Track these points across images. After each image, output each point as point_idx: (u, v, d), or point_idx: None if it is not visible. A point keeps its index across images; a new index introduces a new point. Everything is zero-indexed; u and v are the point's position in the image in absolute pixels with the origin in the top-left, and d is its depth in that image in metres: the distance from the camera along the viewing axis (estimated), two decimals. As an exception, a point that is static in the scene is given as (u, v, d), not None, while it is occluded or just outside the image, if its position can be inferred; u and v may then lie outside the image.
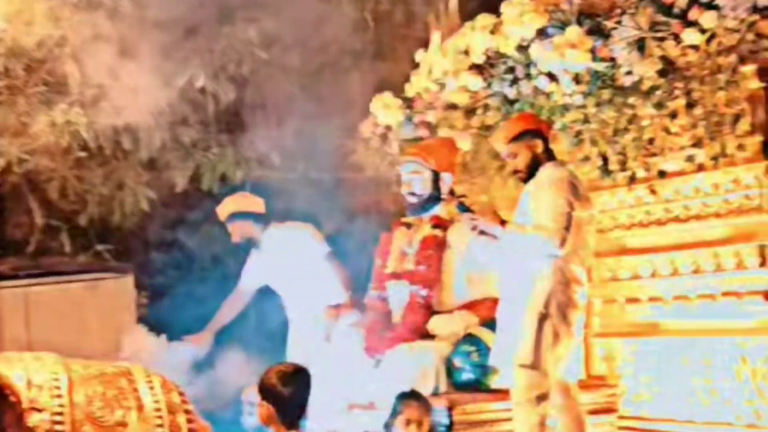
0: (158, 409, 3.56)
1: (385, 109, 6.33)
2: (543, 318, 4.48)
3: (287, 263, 6.06)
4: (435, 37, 6.09)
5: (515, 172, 4.74)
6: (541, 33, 5.17)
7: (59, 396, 3.37)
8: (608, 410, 5.21)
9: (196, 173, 7.57)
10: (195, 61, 7.17)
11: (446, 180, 5.45)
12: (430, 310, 5.26)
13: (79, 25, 6.42)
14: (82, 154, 7.06)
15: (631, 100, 4.93)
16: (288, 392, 3.58)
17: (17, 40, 6.17)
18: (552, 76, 5.14)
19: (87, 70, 6.64)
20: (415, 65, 6.23)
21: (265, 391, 3.59)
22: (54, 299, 7.12)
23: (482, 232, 4.72)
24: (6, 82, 6.45)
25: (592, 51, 4.95)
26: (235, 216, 6.19)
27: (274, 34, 7.34)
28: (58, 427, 3.32)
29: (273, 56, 7.36)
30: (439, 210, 5.45)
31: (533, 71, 5.24)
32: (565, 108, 5.17)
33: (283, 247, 6.10)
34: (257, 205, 6.25)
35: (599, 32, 4.97)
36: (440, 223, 5.39)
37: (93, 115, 6.64)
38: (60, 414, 3.34)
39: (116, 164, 7.50)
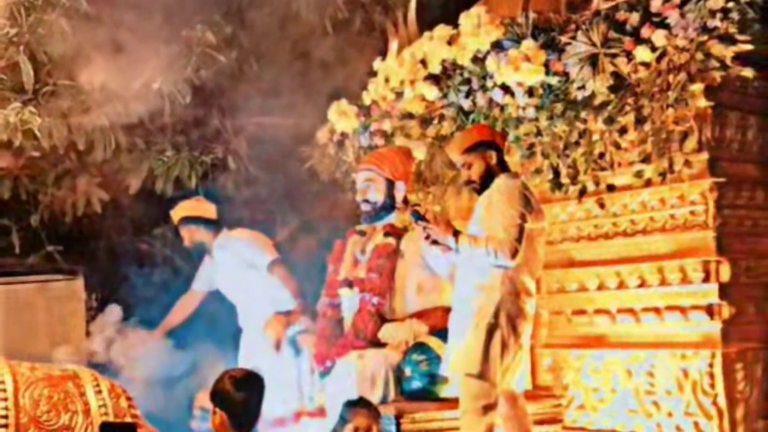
0: (105, 414, 3.55)
1: (342, 117, 6.36)
2: (492, 328, 4.53)
3: (236, 271, 6.06)
4: (393, 46, 6.14)
5: (469, 182, 4.80)
6: (497, 46, 5.25)
7: (4, 399, 3.35)
8: (554, 420, 5.28)
9: (150, 176, 7.52)
10: (152, 63, 7.12)
11: (400, 189, 5.49)
12: (381, 318, 5.28)
13: (35, 23, 6.35)
14: (35, 153, 6.97)
15: (582, 114, 5.02)
16: (241, 397, 3.56)
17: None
18: (506, 89, 5.21)
19: (41, 69, 6.58)
20: (373, 73, 6.27)
21: (219, 397, 3.56)
22: (3, 300, 7.01)
23: (435, 242, 4.76)
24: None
25: (546, 65, 5.03)
26: (187, 220, 6.22)
27: (233, 38, 7.32)
28: (2, 430, 3.30)
29: (231, 60, 7.34)
30: (392, 218, 5.49)
31: (488, 83, 5.31)
32: (519, 120, 5.24)
33: (231, 254, 6.11)
34: (209, 211, 6.28)
35: (553, 47, 5.05)
36: (393, 232, 5.43)
37: (46, 115, 6.56)
38: (5, 417, 3.32)
39: (69, 165, 7.41)
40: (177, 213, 6.31)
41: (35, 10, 6.35)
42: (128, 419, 3.65)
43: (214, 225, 6.25)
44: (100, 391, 3.72)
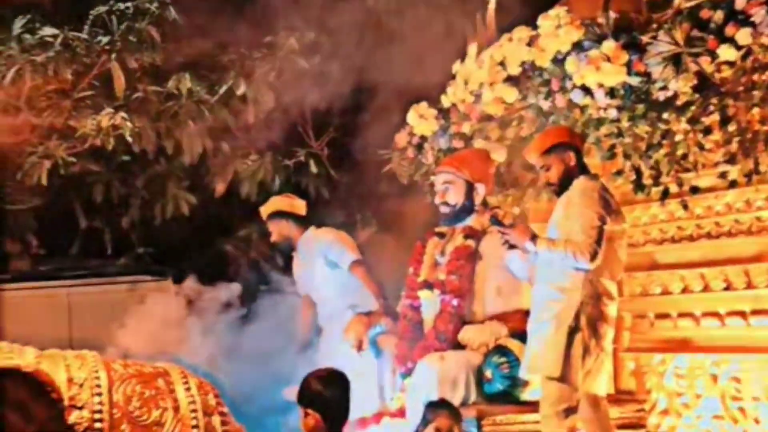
0: (194, 410, 3.65)
1: (421, 120, 6.40)
2: (573, 331, 4.51)
3: (319, 269, 6.13)
4: (472, 48, 6.16)
5: (548, 184, 4.79)
6: (577, 46, 5.21)
7: (99, 394, 3.47)
8: (636, 425, 5.23)
9: (235, 179, 7.70)
10: (236, 68, 7.30)
11: (479, 191, 5.51)
12: (461, 320, 5.31)
13: (126, 31, 6.58)
14: (126, 158, 7.22)
15: (665, 115, 4.95)
16: (333, 395, 3.59)
17: (68, 44, 6.35)
18: (587, 90, 5.17)
19: (132, 75, 6.81)
20: (452, 76, 6.30)
21: (309, 398, 3.59)
22: (95, 300, 7.28)
23: (513, 246, 4.77)
24: (55, 85, 6.63)
25: (628, 65, 4.98)
26: (276, 215, 6.26)
27: (315, 43, 7.45)
28: (97, 424, 3.42)
29: (313, 65, 7.47)
30: (471, 220, 5.51)
31: (568, 84, 5.28)
32: (599, 122, 5.20)
33: (316, 251, 6.17)
34: (299, 207, 6.31)
35: (635, 47, 5.00)
36: (472, 234, 5.45)
37: (137, 120, 6.80)
38: (99, 412, 3.43)
39: (158, 169, 7.65)
40: (268, 207, 6.34)
41: (126, 19, 6.58)
42: (216, 416, 3.73)
43: (303, 221, 6.29)
44: (189, 388, 3.82)
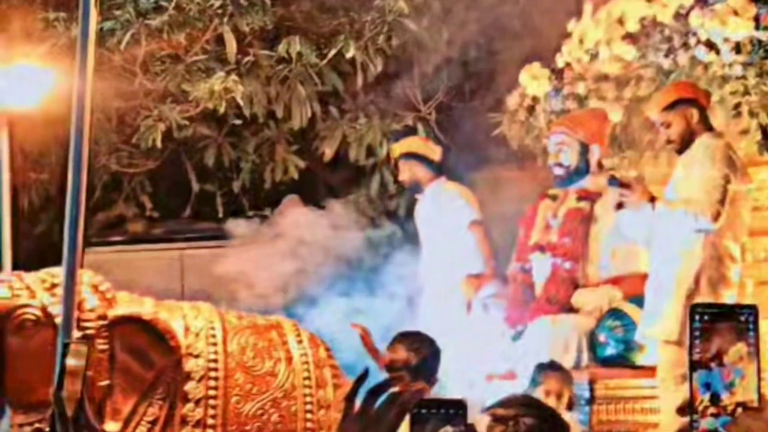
0: (306, 362, 3.68)
1: (534, 80, 6.25)
2: (692, 294, 4.36)
3: (437, 220, 6.03)
4: (588, 6, 5.97)
5: (668, 142, 4.62)
6: (702, 0, 4.99)
7: (214, 344, 3.53)
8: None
9: (343, 144, 7.71)
10: (345, 32, 7.29)
11: (595, 152, 5.36)
12: (573, 283, 5.19)
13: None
14: (237, 121, 7.31)
15: (796, 70, 4.70)
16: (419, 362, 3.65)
17: (181, 8, 6.45)
18: (711, 46, 4.95)
19: (243, 40, 6.88)
20: (567, 35, 6.12)
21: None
22: (207, 261, 7.42)
23: (629, 207, 4.62)
24: (169, 50, 6.75)
25: (756, 19, 4.75)
26: (410, 156, 6.17)
27: (424, 6, 7.36)
28: (212, 373, 3.48)
29: (422, 28, 7.38)
30: (586, 182, 5.36)
31: (691, 40, 5.06)
32: (724, 79, 4.97)
33: (441, 202, 6.04)
34: (434, 152, 6.21)
35: (764, -1, 4.76)
36: (586, 196, 5.31)
37: (248, 84, 6.86)
38: (215, 361, 3.49)
39: (268, 133, 7.72)
40: (402, 146, 6.26)
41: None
42: (327, 369, 3.75)
43: (436, 168, 6.19)
44: (301, 341, 3.85)
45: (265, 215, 7.52)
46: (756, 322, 1.30)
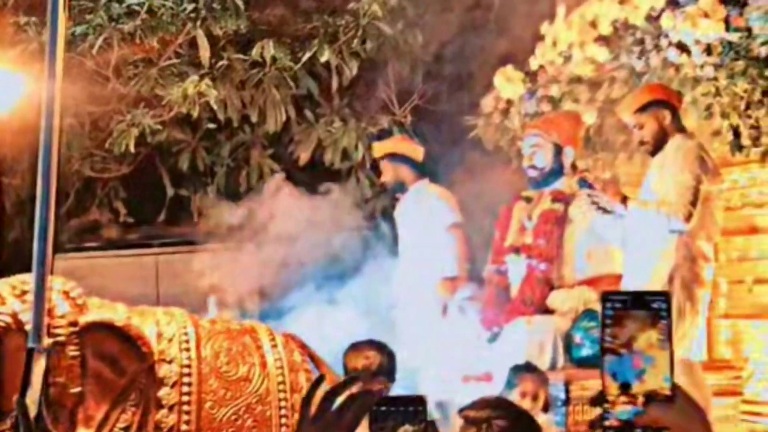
0: (280, 367, 3.66)
1: (508, 83, 6.27)
2: (666, 294, 4.37)
3: (416, 223, 6.00)
4: (561, 8, 5.99)
5: (641, 143, 4.64)
6: (673, 2, 5.02)
7: (187, 349, 3.50)
8: (733, 393, 5.05)
9: (318, 147, 7.70)
10: (320, 35, 7.28)
11: (568, 154, 5.38)
12: (549, 285, 5.21)
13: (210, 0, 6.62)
14: (211, 126, 7.27)
15: (766, 72, 4.73)
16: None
17: (153, 12, 6.41)
18: (683, 48, 4.98)
19: (217, 44, 6.84)
20: (540, 38, 6.15)
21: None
22: (182, 267, 7.38)
23: (603, 209, 4.63)
24: (141, 54, 6.70)
25: (726, 20, 4.77)
26: (393, 157, 6.14)
27: (398, 8, 7.36)
28: (186, 378, 3.45)
29: (396, 31, 7.39)
30: (560, 184, 5.38)
31: (663, 42, 5.09)
32: (696, 80, 5.00)
33: (422, 204, 6.02)
34: (417, 152, 6.18)
35: (734, 1, 4.79)
36: (561, 198, 5.32)
37: (222, 88, 6.83)
38: (188, 366, 3.46)
39: (243, 137, 7.69)
40: (384, 147, 6.22)
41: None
42: (302, 373, 3.74)
43: (419, 169, 6.15)
44: (275, 345, 3.82)
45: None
46: (669, 310, 1.27)
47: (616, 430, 1.29)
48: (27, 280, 3.29)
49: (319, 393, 1.44)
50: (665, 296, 1.28)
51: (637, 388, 1.28)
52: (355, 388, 1.36)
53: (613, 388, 1.29)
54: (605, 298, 1.31)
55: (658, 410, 1.27)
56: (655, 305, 1.30)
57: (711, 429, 1.32)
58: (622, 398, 1.28)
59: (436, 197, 6.04)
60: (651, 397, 1.28)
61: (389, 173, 6.16)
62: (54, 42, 2.82)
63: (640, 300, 1.30)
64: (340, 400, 1.35)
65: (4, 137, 6.56)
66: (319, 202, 6.33)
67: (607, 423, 1.30)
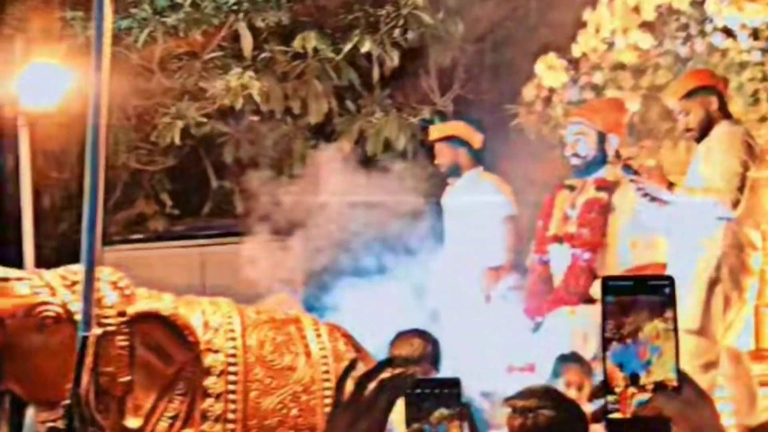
0: (325, 356, 3.69)
1: (550, 71, 6.23)
2: (713, 283, 4.33)
3: (470, 211, 5.96)
4: (603, -5, 5.94)
5: (687, 130, 4.58)
6: (718, -14, 4.96)
7: (233, 339, 3.55)
8: (782, 383, 4.98)
9: (360, 138, 7.71)
10: (361, 26, 7.29)
11: (612, 142, 5.33)
12: (592, 274, 5.17)
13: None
14: (254, 118, 7.32)
15: (815, 56, 4.65)
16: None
17: (197, 5, 6.47)
18: (728, 32, 4.92)
19: (260, 36, 6.89)
20: (582, 24, 6.09)
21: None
22: (227, 258, 7.45)
23: (648, 196, 4.59)
24: (185, 47, 6.78)
25: (773, 4, 4.70)
26: (449, 139, 6.09)
27: (439, -1, 7.35)
28: (231, 368, 3.49)
29: (437, 21, 7.37)
30: (604, 172, 5.34)
31: (708, 27, 5.02)
32: (742, 65, 4.94)
33: (477, 190, 5.95)
34: (476, 138, 6.12)
35: (781, -16, 4.71)
36: (605, 186, 5.28)
37: (264, 80, 6.87)
38: (234, 356, 3.51)
39: (285, 128, 7.73)
40: (443, 129, 6.16)
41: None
42: (345, 363, 3.75)
43: (476, 155, 6.08)
44: (319, 335, 3.86)
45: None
46: (673, 296, 1.20)
47: (621, 422, 1.24)
48: (76, 270, 3.35)
49: (353, 377, 1.45)
50: (670, 281, 1.21)
51: (644, 378, 1.23)
52: (387, 372, 1.37)
53: (619, 379, 1.23)
54: (606, 284, 1.24)
55: (661, 400, 1.23)
56: (658, 291, 1.22)
57: (718, 419, 1.28)
58: (631, 389, 1.24)
59: (492, 187, 5.97)
60: (658, 387, 1.23)
61: (446, 156, 6.06)
62: (100, 36, 2.87)
63: (644, 286, 1.23)
64: (372, 384, 1.36)
65: (52, 131, 6.68)
66: (373, 183, 6.28)
67: (611, 416, 1.25)
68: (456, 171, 6.08)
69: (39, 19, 6.63)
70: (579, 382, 4.29)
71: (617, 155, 5.37)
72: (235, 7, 6.62)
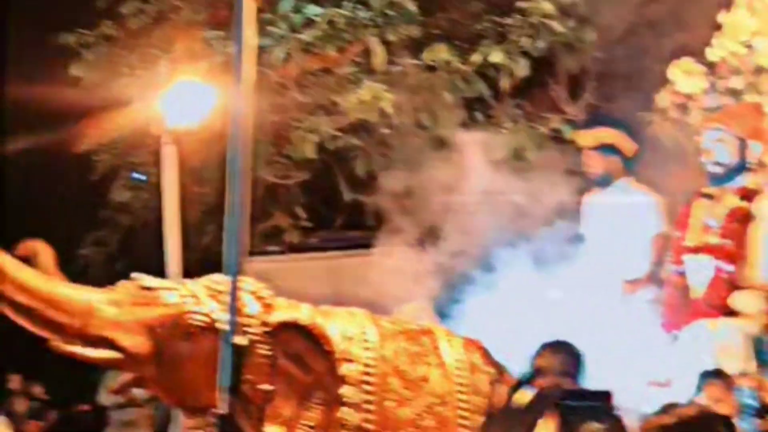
0: (460, 369, 3.69)
1: (686, 76, 6.05)
2: None
3: (616, 222, 5.77)
4: (741, -4, 5.73)
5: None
6: None
7: (369, 349, 3.60)
8: None
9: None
10: (490, 36, 7.29)
11: (754, 148, 5.14)
12: (735, 287, 5.00)
13: (384, 6, 6.76)
14: (386, 131, 7.42)
15: None
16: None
17: (332, 22, 6.62)
18: None
19: (390, 49, 6.98)
20: (717, 27, 5.90)
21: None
22: (360, 269, 7.55)
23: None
24: (319, 63, 6.95)
25: None
26: (606, 148, 5.96)
27: (570, 5, 7.26)
28: (367, 378, 3.54)
29: (568, 29, 7.29)
30: (745, 180, 5.16)
31: None
32: None
33: (623, 204, 5.80)
34: (629, 146, 5.97)
35: None
36: (747, 194, 5.10)
37: (396, 94, 6.96)
38: (370, 366, 3.56)
39: (417, 141, 7.79)
40: (597, 135, 6.03)
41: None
42: (482, 376, 3.73)
43: (628, 164, 5.93)
44: (454, 347, 3.87)
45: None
46: None
47: None
48: (219, 280, 3.48)
49: (503, 389, 1.47)
50: None
51: None
52: (539, 384, 1.39)
53: None
54: None
55: None
56: None
57: None
58: None
59: (645, 199, 5.79)
60: None
61: (599, 164, 5.91)
62: (241, 55, 2.98)
63: None
64: (525, 396, 1.38)
65: (194, 148, 6.97)
66: (511, 188, 6.17)
67: None
68: (607, 179, 5.93)
69: (182, 39, 6.94)
70: (721, 398, 4.16)
71: (759, 163, 5.18)
72: (369, 22, 6.74)
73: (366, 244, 7.95)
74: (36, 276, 3.32)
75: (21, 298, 3.25)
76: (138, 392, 5.47)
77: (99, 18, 7.75)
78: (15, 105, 7.93)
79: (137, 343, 3.36)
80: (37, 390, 8.21)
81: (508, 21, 7.27)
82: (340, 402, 3.53)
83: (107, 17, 7.74)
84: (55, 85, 7.22)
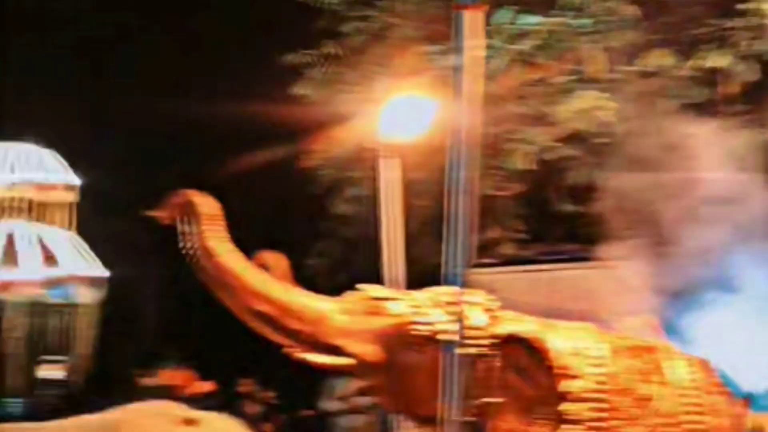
0: (690, 388, 3.51)
1: None
2: None
3: None
4: None
5: None
6: None
7: (596, 365, 3.49)
8: None
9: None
10: (710, 40, 6.97)
11: None
12: None
13: (605, 12, 6.62)
14: (603, 140, 7.24)
15: None
16: None
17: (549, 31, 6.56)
18: None
19: (610, 56, 6.82)
20: None
21: None
22: (579, 282, 7.39)
23: None
24: (535, 73, 6.89)
25: None
26: None
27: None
28: (597, 395, 3.43)
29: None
30: None
31: None
32: None
33: None
34: None
35: None
36: None
37: (615, 101, 6.79)
38: (604, 383, 3.44)
39: (633, 151, 7.54)
40: None
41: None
42: (717, 396, 3.55)
43: None
44: (680, 366, 3.70)
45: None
46: None
47: None
48: (443, 291, 3.49)
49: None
50: None
51: None
52: None
53: None
54: None
55: None
56: None
57: None
58: None
59: None
60: None
61: None
62: (461, 68, 2.99)
63: None
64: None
65: (414, 161, 7.08)
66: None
67: None
68: None
69: (401, 55, 7.10)
70: None
71: None
72: (587, 30, 6.62)
73: (583, 257, 7.78)
74: (276, 285, 3.46)
75: (263, 307, 3.40)
76: (362, 399, 5.61)
77: (321, 38, 8.09)
78: (244, 123, 8.41)
79: (367, 350, 3.44)
80: (268, 395, 8.63)
81: (730, 24, 6.92)
82: (564, 419, 3.43)
83: (328, 37, 8.06)
84: (282, 103, 7.60)
